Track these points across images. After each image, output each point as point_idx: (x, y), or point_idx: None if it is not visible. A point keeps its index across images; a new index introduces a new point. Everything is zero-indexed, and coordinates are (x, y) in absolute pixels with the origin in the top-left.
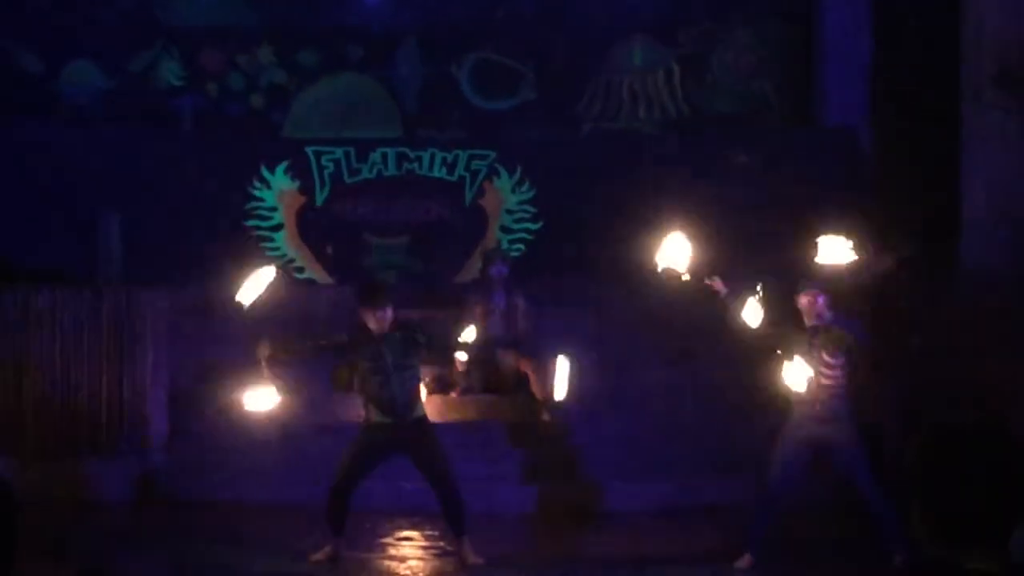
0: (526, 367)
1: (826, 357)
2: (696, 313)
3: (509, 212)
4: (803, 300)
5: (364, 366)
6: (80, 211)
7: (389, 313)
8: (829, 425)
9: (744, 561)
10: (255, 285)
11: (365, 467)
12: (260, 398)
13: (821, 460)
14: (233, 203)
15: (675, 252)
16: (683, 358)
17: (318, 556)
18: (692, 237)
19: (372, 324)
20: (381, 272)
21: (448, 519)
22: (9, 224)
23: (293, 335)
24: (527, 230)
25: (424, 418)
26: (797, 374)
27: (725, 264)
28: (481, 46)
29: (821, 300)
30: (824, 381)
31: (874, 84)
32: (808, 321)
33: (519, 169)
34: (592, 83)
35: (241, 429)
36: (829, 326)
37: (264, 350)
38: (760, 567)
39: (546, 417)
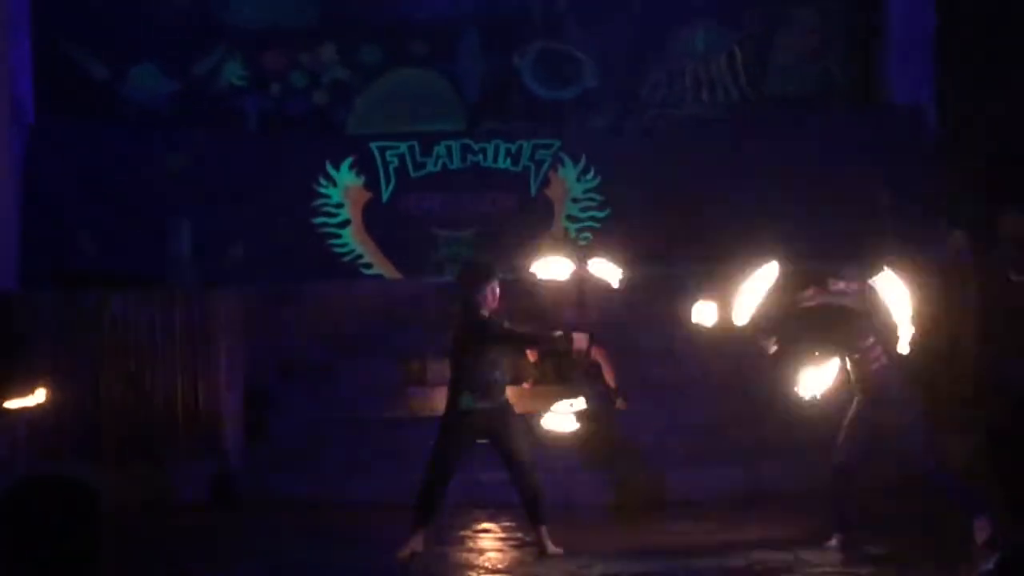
0: (598, 356)
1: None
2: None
3: (575, 201)
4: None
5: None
6: (150, 214)
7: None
8: (885, 408)
9: (834, 541)
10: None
11: (460, 455)
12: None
13: (884, 442)
14: (300, 201)
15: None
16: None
17: (404, 552)
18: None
19: (491, 301)
20: (449, 265)
21: (527, 507)
22: (80, 229)
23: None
24: (593, 218)
25: (510, 404)
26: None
27: (793, 244)
28: (542, 35)
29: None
30: (871, 366)
31: (939, 60)
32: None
33: (584, 157)
34: (655, 69)
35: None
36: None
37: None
38: (847, 546)
39: (619, 406)
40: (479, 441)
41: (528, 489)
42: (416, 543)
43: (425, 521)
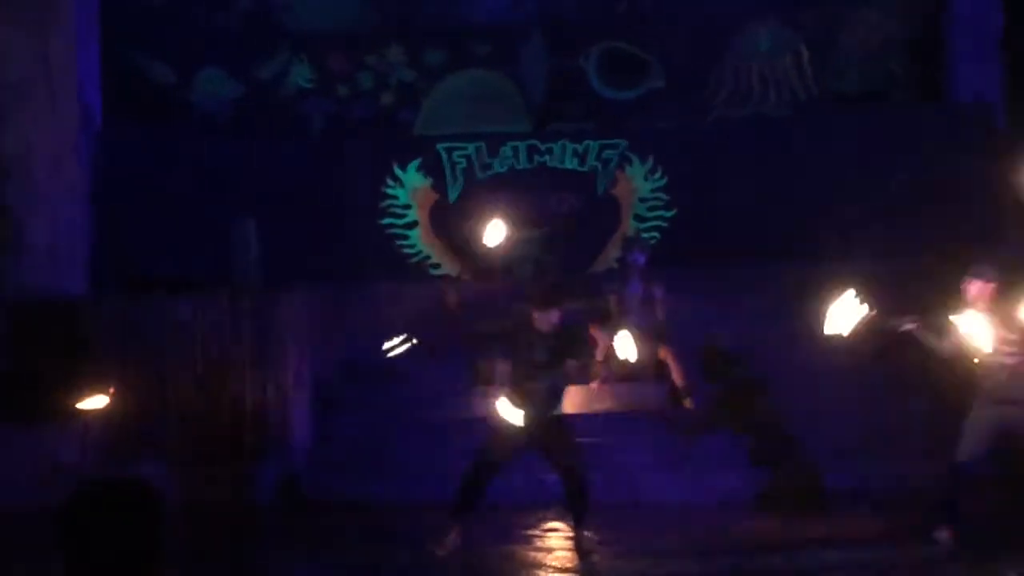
0: (665, 355)
1: (1006, 334)
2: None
3: (642, 200)
4: (973, 287)
5: (515, 357)
6: (217, 217)
7: (555, 316)
8: (1015, 406)
9: (944, 533)
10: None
11: (501, 457)
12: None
13: (1007, 438)
14: (367, 202)
15: (842, 315)
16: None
17: (443, 550)
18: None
19: (537, 324)
20: (518, 266)
21: (572, 510)
22: (147, 233)
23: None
24: (661, 218)
25: (559, 417)
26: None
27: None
28: (607, 36)
29: (990, 288)
30: (1007, 360)
31: (1006, 56)
32: (976, 308)
33: (651, 157)
34: (720, 69)
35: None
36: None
37: (453, 297)
38: (958, 539)
39: (687, 405)
40: (529, 447)
41: (574, 495)
42: (456, 536)
43: (465, 509)
